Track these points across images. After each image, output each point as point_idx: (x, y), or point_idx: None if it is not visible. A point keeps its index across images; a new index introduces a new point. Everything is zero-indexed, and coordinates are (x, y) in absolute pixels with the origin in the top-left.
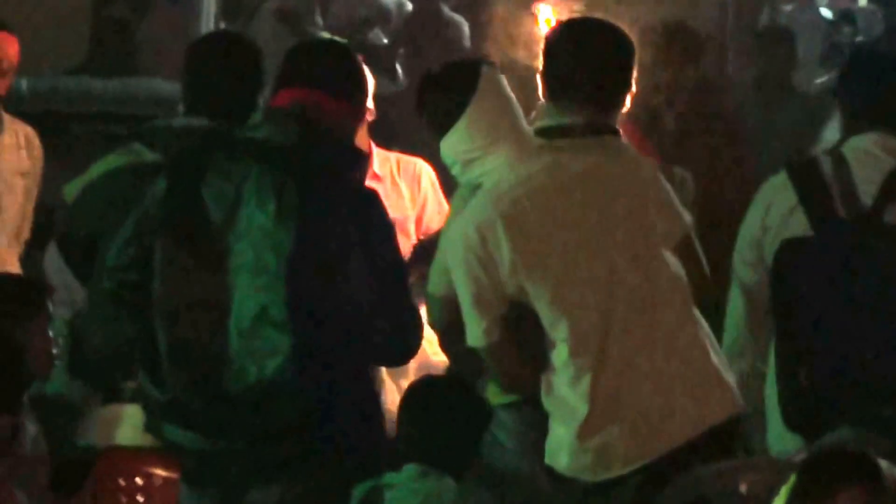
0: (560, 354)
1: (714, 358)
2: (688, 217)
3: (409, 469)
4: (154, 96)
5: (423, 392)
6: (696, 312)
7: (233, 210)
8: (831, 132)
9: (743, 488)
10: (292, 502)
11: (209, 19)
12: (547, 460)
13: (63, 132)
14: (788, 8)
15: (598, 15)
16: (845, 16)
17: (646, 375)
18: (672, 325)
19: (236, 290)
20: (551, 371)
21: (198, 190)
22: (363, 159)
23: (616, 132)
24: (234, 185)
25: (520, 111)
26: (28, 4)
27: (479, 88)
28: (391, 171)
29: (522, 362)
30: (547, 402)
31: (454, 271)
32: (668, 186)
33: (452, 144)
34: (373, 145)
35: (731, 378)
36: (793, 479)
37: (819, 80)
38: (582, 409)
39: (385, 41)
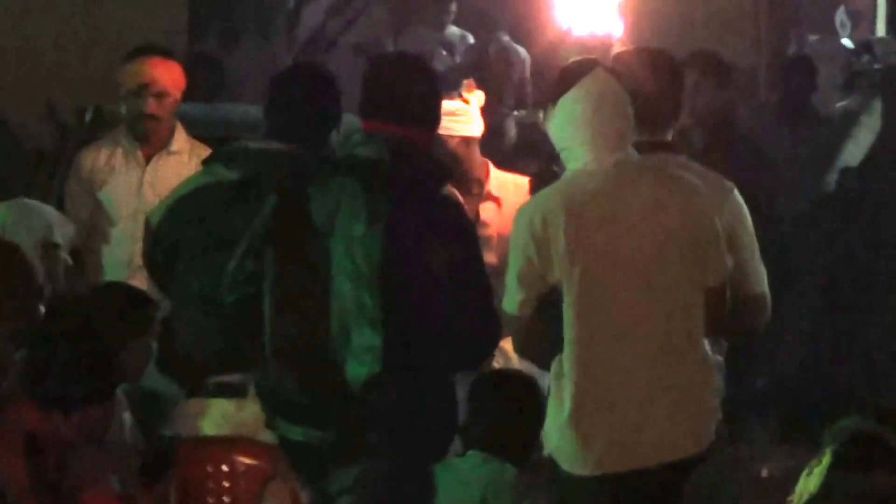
0: (567, 348)
1: (707, 396)
2: (729, 262)
3: (473, 455)
4: (241, 120)
5: (492, 384)
6: (706, 347)
7: (332, 220)
8: (849, 153)
9: (764, 473)
10: (368, 483)
11: (293, 51)
12: (544, 440)
13: None
14: (813, 39)
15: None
16: (864, 45)
17: (634, 393)
18: (675, 354)
19: (337, 293)
20: (561, 356)
21: (304, 203)
22: (448, 174)
23: (670, 147)
24: (335, 197)
25: (622, 119)
26: (132, 39)
27: (580, 84)
28: (508, 194)
29: (544, 338)
30: (552, 383)
31: (512, 244)
32: (719, 229)
33: (551, 131)
34: (490, 166)
35: (713, 418)
36: (827, 459)
37: (840, 105)
38: (567, 405)
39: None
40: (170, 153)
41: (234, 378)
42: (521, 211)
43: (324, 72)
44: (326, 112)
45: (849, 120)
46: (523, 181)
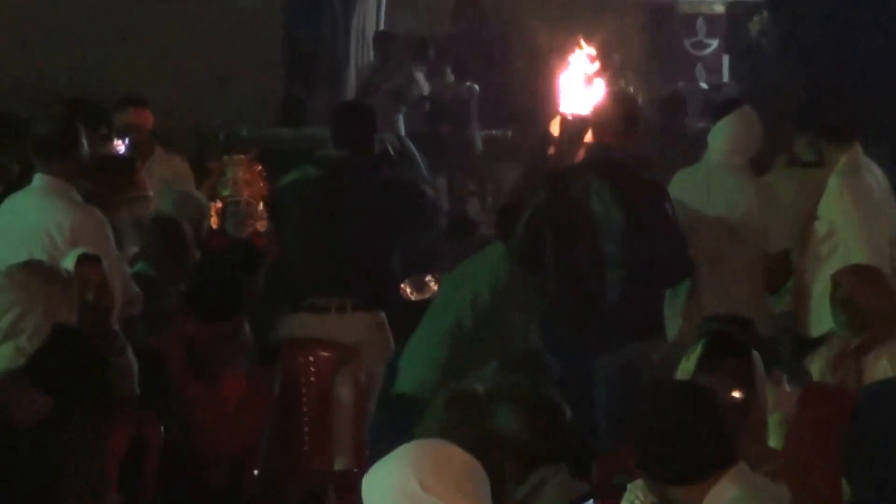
0: None
1: None
2: None
3: None
4: (317, 139)
5: None
6: None
7: (591, 205)
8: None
9: (656, 357)
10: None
11: (350, 95)
12: None
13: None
14: (681, 84)
15: None
16: (715, 87)
17: None
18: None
19: (607, 256)
20: None
21: (573, 194)
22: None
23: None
24: (592, 190)
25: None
26: (247, 83)
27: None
28: None
29: None
30: None
31: None
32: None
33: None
34: None
35: None
36: (699, 349)
37: (699, 126)
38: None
39: None
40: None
41: (320, 300)
42: None
43: (365, 107)
44: (367, 133)
45: (704, 136)
46: None
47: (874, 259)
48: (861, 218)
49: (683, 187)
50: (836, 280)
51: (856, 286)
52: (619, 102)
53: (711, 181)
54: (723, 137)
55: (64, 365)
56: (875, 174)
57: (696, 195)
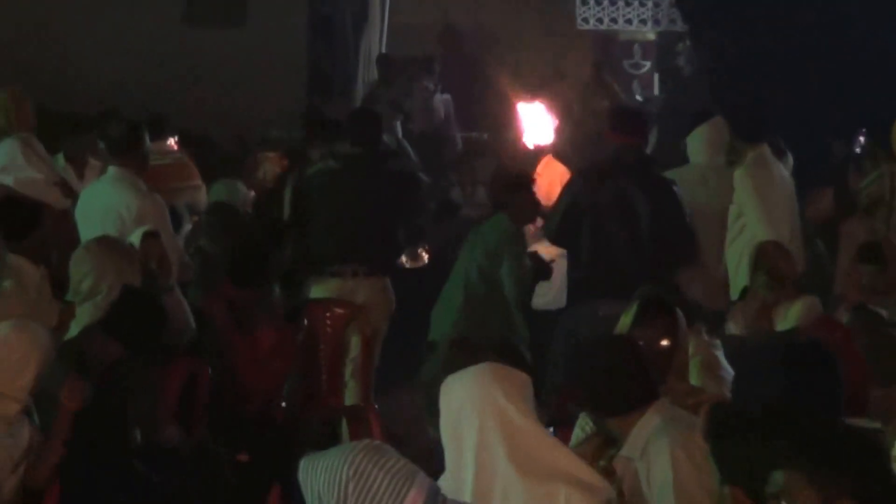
0: None
1: None
2: None
3: None
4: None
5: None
6: None
7: (623, 196)
8: None
9: (601, 313)
10: None
11: (358, 104)
12: None
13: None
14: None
15: None
16: (647, 100)
17: None
18: None
19: (637, 239)
20: None
21: (607, 187)
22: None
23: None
24: (624, 185)
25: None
26: (274, 96)
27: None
28: None
29: None
30: None
31: None
32: None
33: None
34: None
35: None
36: (635, 308)
37: None
38: None
39: None
40: None
41: (337, 267)
42: None
43: (373, 113)
44: (374, 134)
45: None
46: None
47: (773, 238)
48: (761, 202)
49: (682, 184)
50: (762, 250)
51: (777, 256)
52: (637, 112)
53: (708, 177)
54: (703, 141)
55: (132, 318)
56: (780, 171)
57: (696, 190)
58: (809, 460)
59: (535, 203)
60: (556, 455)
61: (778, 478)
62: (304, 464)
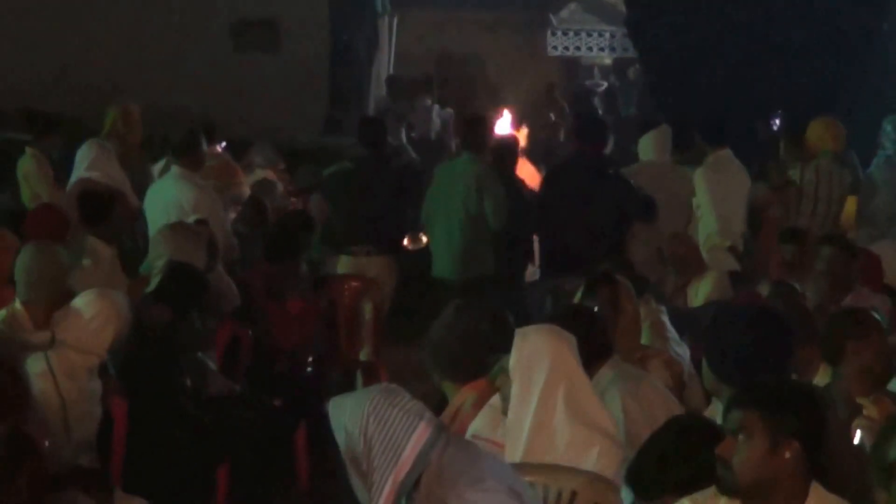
0: None
1: None
2: None
3: None
4: (350, 143)
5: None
6: None
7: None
8: None
9: (567, 287)
10: None
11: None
12: None
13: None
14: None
15: None
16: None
17: None
18: None
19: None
20: None
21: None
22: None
23: None
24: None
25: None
26: (297, 111)
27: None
28: None
29: None
30: None
31: None
32: None
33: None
34: None
35: None
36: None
37: None
38: None
39: None
40: None
41: (354, 247)
42: None
43: (381, 121)
44: (381, 138)
45: None
46: None
47: (723, 230)
48: (713, 198)
49: (642, 179)
50: (668, 240)
51: (677, 244)
52: (597, 123)
53: (664, 173)
54: (654, 145)
55: (176, 286)
56: (736, 170)
57: (657, 183)
58: (764, 404)
59: (489, 135)
60: (597, 410)
61: (736, 415)
62: (332, 403)
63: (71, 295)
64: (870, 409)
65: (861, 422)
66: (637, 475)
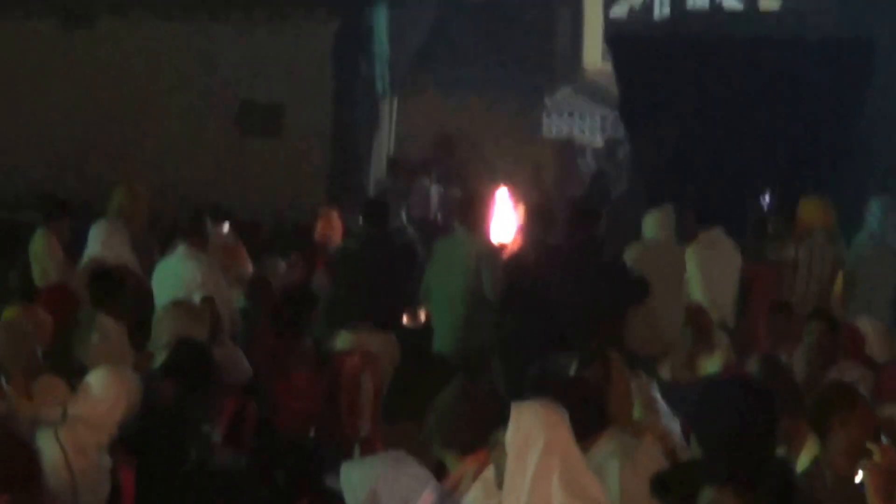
0: None
1: None
2: None
3: None
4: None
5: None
6: None
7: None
8: None
9: (562, 363)
10: None
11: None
12: None
13: None
14: None
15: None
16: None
17: None
18: None
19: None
20: None
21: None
22: None
23: None
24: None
25: None
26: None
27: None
28: None
29: None
30: None
31: None
32: None
33: None
34: None
35: None
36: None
37: None
38: None
39: None
40: None
41: (356, 324)
42: None
43: (384, 204)
44: (384, 219)
45: None
46: None
47: (711, 305)
48: (702, 275)
49: (645, 256)
50: (690, 310)
51: (700, 315)
52: (592, 208)
53: (669, 250)
54: (658, 223)
55: (184, 363)
56: (727, 248)
57: (663, 260)
58: (736, 482)
59: (484, 212)
60: (593, 485)
61: (708, 493)
62: (344, 467)
63: (82, 371)
64: (877, 455)
65: (865, 463)
66: None
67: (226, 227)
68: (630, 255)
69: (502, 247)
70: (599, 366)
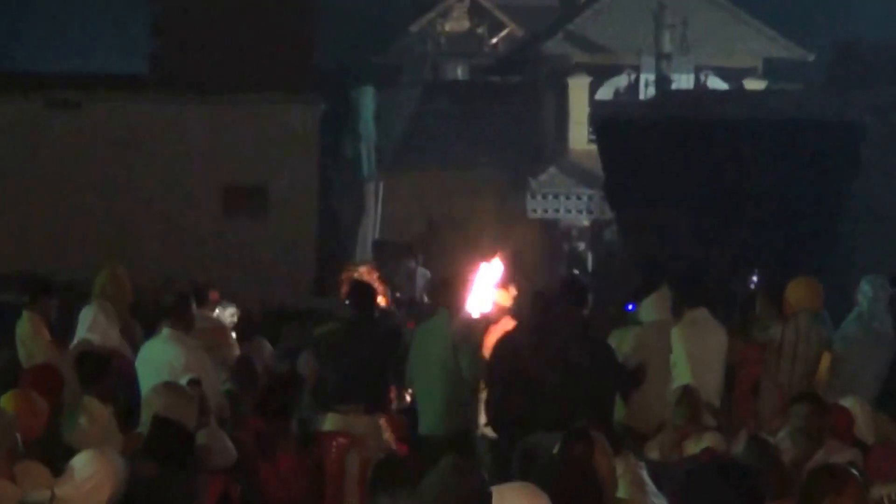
0: None
1: None
2: None
3: None
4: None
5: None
6: None
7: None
8: None
9: (549, 443)
10: None
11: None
12: None
13: None
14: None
15: None
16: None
17: None
18: None
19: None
20: None
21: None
22: None
23: None
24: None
25: None
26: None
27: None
28: None
29: None
30: None
31: None
32: None
33: None
34: None
35: None
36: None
37: None
38: None
39: None
40: None
41: (341, 406)
42: None
43: (370, 287)
44: (370, 302)
45: None
46: None
47: (696, 381)
48: (688, 354)
49: (644, 340)
50: (685, 391)
51: (694, 397)
52: (579, 285)
53: (665, 333)
54: (656, 305)
55: (163, 442)
56: (712, 328)
57: (660, 344)
58: None
59: (462, 293)
60: None
61: None
62: None
63: (70, 453)
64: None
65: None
66: None
67: (211, 307)
68: (630, 340)
69: (485, 327)
70: (583, 445)
